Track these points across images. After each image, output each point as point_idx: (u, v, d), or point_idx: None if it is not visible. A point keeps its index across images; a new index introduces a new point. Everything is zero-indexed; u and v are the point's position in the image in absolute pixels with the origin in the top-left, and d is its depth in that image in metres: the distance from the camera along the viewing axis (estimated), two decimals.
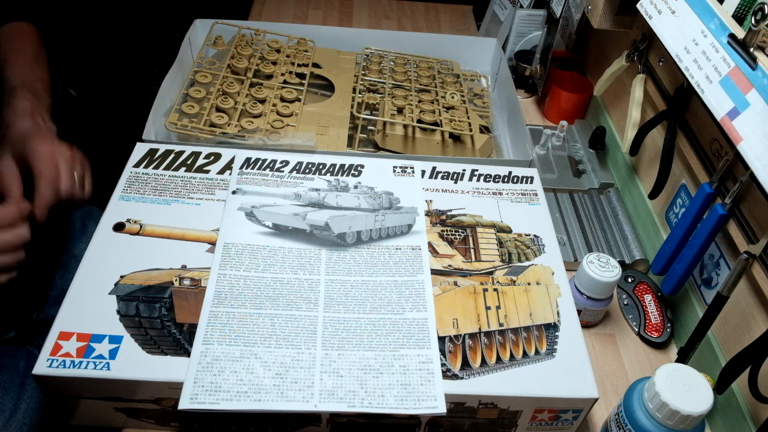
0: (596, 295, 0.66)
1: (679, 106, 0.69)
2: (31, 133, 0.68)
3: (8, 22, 0.84)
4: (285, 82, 0.87)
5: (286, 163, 0.71)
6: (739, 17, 0.56)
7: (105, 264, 0.58)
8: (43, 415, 0.72)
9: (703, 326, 0.60)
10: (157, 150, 0.70)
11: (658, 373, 0.51)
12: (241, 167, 0.69)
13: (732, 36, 0.54)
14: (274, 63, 0.89)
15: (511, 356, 0.55)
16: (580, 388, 0.53)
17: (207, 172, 0.69)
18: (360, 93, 0.88)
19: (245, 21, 0.96)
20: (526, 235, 0.66)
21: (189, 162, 0.69)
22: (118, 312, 0.54)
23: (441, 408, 0.51)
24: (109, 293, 0.56)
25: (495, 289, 0.60)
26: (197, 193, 0.66)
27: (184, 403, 0.49)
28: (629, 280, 0.74)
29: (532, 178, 0.73)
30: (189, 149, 0.71)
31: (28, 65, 0.79)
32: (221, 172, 0.69)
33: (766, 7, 0.49)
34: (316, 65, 0.93)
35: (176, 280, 0.57)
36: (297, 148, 0.75)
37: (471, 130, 0.82)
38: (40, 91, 0.76)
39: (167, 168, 0.69)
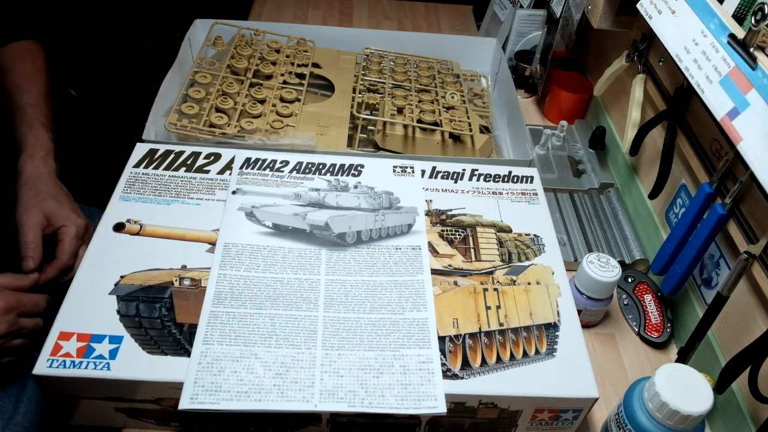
0: (596, 295, 0.66)
1: (679, 106, 0.69)
2: (61, 204, 0.74)
3: (11, 30, 0.84)
4: (285, 82, 0.87)
5: (286, 163, 0.71)
6: (739, 17, 0.56)
7: (105, 264, 0.58)
8: (43, 415, 0.72)
9: (703, 326, 0.60)
10: (157, 150, 0.70)
11: (658, 373, 0.51)
12: (241, 167, 0.69)
13: (732, 36, 0.54)
14: (274, 63, 0.89)
15: (512, 356, 0.55)
16: (580, 388, 0.53)
17: (207, 172, 0.69)
18: (360, 93, 0.88)
19: (245, 21, 0.96)
20: (526, 234, 0.66)
21: (189, 162, 0.69)
22: (118, 312, 0.54)
23: (441, 408, 0.51)
24: (109, 293, 0.56)
25: (495, 289, 0.60)
26: (197, 193, 0.66)
27: (185, 403, 0.49)
28: (629, 280, 0.74)
29: (532, 177, 0.73)
30: (189, 149, 0.71)
31: (42, 96, 0.82)
32: (221, 172, 0.69)
33: (766, 7, 0.49)
34: (316, 65, 0.93)
35: (176, 280, 0.57)
36: (297, 148, 0.75)
37: (471, 130, 0.82)
38: (50, 127, 0.80)
39: (167, 168, 0.69)
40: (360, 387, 0.51)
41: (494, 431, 0.57)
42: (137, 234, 0.61)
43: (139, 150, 0.70)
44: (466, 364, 0.54)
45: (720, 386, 0.55)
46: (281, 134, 0.77)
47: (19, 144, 0.77)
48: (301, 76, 0.89)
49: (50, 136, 0.78)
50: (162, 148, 0.71)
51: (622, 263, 0.74)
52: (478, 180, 0.72)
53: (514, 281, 0.61)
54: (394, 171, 0.72)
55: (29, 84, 0.82)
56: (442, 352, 0.54)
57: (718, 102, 0.54)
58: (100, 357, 0.51)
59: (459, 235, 0.66)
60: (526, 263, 0.63)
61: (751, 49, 0.51)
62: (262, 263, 0.59)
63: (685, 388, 0.50)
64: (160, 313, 0.55)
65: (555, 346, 0.56)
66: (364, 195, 0.67)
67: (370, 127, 0.84)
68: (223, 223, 0.63)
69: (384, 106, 0.84)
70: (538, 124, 0.98)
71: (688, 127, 0.69)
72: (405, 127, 0.81)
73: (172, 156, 0.70)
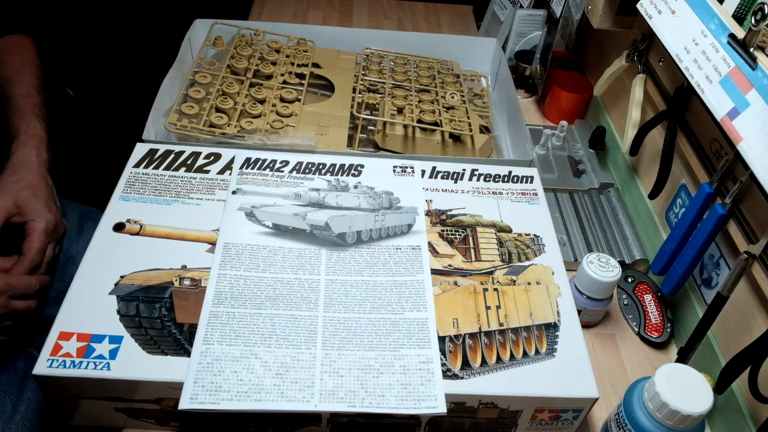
0: (596, 295, 0.66)
1: (679, 106, 0.69)
2: (37, 197, 0.72)
3: (8, 28, 0.84)
4: (285, 82, 0.87)
5: (286, 163, 0.71)
6: (739, 17, 0.56)
7: (105, 264, 0.58)
8: (43, 415, 0.72)
9: (703, 326, 0.60)
10: (157, 150, 0.70)
11: (658, 373, 0.51)
12: (241, 167, 0.69)
13: (732, 36, 0.54)
14: (274, 63, 0.89)
15: (512, 356, 0.55)
16: (580, 388, 0.53)
17: (207, 172, 0.69)
18: (360, 93, 0.88)
19: (245, 21, 0.96)
20: (526, 234, 0.66)
21: (189, 162, 0.69)
22: (118, 312, 0.54)
23: (441, 408, 0.51)
24: (109, 293, 0.56)
25: (495, 289, 0.60)
26: (197, 193, 0.66)
27: (185, 403, 0.49)
28: (629, 280, 0.74)
29: (532, 177, 0.73)
30: (189, 149, 0.71)
31: (33, 87, 0.81)
32: (221, 172, 0.69)
33: (766, 7, 0.49)
34: (315, 65, 0.93)
35: (176, 280, 0.57)
36: (297, 148, 0.75)
37: (471, 130, 0.82)
38: (42, 117, 0.79)
39: (167, 168, 0.69)
40: (360, 387, 0.51)
41: (494, 431, 0.57)
42: (137, 234, 0.61)
43: (139, 150, 0.70)
44: (466, 364, 0.54)
45: (720, 386, 0.55)
46: (281, 134, 0.77)
47: (10, 134, 0.76)
48: (301, 76, 0.89)
49: (42, 126, 0.77)
50: (162, 148, 0.71)
51: (622, 263, 0.74)
52: (478, 180, 0.72)
53: (514, 281, 0.61)
54: (394, 171, 0.72)
55: (19, 75, 0.81)
56: (442, 352, 0.54)
57: (718, 102, 0.54)
58: (100, 357, 0.51)
59: (459, 235, 0.66)
60: (526, 263, 0.63)
61: (751, 49, 0.51)
62: (262, 263, 0.59)
63: (685, 388, 0.50)
64: (160, 313, 0.55)
65: (555, 346, 0.56)
66: (364, 195, 0.67)
67: (370, 127, 0.84)
68: (223, 223, 0.63)
69: (384, 106, 0.84)
70: (538, 124, 0.98)
71: (688, 127, 0.69)
72: (405, 127, 0.81)
73: (172, 156, 0.70)
